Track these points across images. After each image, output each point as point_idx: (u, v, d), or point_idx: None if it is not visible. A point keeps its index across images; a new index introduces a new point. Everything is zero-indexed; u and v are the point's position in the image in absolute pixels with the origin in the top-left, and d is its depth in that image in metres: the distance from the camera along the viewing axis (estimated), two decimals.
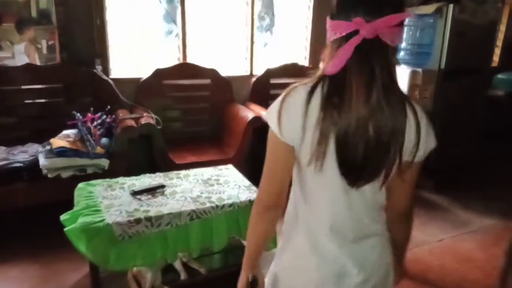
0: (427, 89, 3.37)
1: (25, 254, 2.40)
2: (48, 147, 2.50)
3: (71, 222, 1.72)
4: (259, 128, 2.85)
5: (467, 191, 3.46)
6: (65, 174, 2.44)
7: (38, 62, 3.01)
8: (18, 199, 2.46)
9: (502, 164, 4.07)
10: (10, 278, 2.22)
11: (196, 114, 3.46)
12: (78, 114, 2.57)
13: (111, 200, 1.88)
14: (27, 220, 2.64)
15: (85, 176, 2.43)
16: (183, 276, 2.05)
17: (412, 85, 3.39)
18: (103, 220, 1.71)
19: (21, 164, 2.45)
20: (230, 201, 1.94)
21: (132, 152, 2.72)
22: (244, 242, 2.36)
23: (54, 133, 2.60)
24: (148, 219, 1.77)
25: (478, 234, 2.83)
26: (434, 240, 2.76)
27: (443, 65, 3.31)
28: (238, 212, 1.97)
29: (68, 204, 1.86)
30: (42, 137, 2.67)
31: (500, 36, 4.52)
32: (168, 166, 2.70)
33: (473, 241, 2.74)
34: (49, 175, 2.41)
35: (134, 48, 3.44)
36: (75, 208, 1.84)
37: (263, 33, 3.68)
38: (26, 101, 2.84)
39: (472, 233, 2.85)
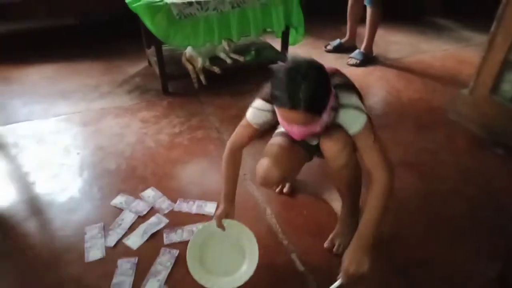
0: None
1: (89, 54, 2.86)
2: None
3: (136, 1, 2.07)
4: None
5: (472, 13, 3.67)
6: None
7: None
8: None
9: None
10: (80, 70, 2.69)
11: None
12: None
13: None
14: (85, 27, 3.05)
15: None
16: (228, 61, 2.50)
17: None
18: (162, 0, 2.07)
19: None
20: None
21: None
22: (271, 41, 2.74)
23: None
24: (198, 3, 2.12)
25: (478, 46, 3.15)
26: (438, 49, 3.13)
27: None
28: (271, 6, 2.32)
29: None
30: None
31: None
32: None
33: (473, 51, 3.08)
34: None
35: None
36: None
37: None
38: None
39: (473, 46, 3.19)
